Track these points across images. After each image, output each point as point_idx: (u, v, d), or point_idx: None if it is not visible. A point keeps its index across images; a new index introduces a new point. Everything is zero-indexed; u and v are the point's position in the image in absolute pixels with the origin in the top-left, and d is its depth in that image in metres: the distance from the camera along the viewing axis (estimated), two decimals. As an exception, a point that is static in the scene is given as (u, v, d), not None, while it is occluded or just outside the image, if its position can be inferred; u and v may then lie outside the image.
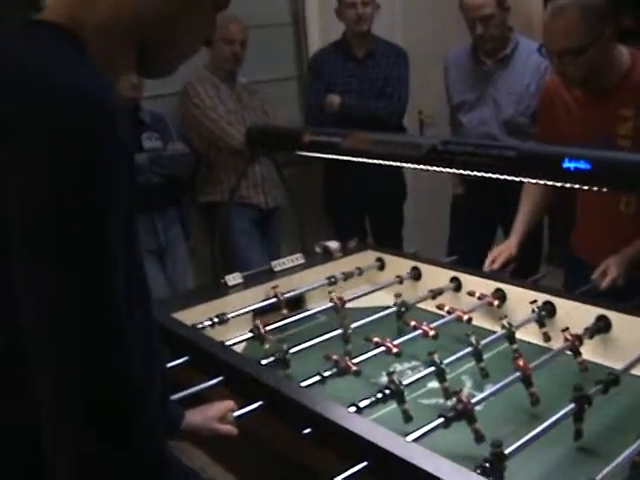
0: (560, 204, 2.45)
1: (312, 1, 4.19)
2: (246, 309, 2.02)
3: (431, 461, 1.19)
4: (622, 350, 1.70)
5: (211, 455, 1.58)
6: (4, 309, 0.88)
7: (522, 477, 1.31)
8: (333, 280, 2.21)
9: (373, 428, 1.30)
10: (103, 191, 0.85)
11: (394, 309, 1.96)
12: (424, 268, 2.26)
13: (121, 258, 0.88)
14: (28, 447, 0.92)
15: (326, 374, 1.57)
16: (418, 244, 3.20)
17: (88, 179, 0.84)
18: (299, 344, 1.74)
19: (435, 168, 1.64)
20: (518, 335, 1.76)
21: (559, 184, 1.45)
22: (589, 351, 1.72)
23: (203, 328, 1.88)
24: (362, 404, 1.41)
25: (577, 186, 1.42)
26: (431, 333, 1.78)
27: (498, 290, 2.02)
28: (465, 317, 1.89)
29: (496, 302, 1.99)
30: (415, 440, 1.28)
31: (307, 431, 1.35)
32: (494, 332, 1.80)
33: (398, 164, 1.76)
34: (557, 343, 1.75)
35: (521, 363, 1.53)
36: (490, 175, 1.54)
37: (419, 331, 1.79)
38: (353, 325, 1.83)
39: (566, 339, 1.68)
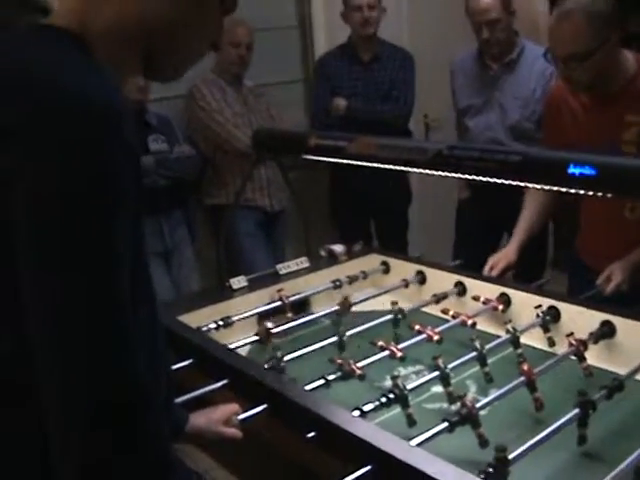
0: (564, 208, 2.45)
1: (318, 4, 4.20)
2: (251, 312, 2.03)
3: (435, 466, 1.19)
4: (626, 355, 1.70)
5: (215, 458, 1.59)
6: (9, 316, 0.88)
7: (526, 482, 1.31)
8: (338, 284, 2.21)
9: (377, 432, 1.30)
10: (110, 195, 0.85)
11: (390, 317, 1.94)
12: (429, 272, 2.26)
13: (127, 261, 0.88)
14: (36, 456, 0.92)
15: (330, 378, 1.57)
16: (423, 248, 3.20)
17: (95, 184, 0.84)
18: (303, 347, 1.75)
19: (441, 173, 1.64)
20: (522, 340, 1.76)
21: (564, 189, 1.45)
22: (594, 356, 1.72)
23: (208, 331, 1.88)
24: (366, 408, 1.41)
25: (582, 192, 1.42)
26: (435, 337, 1.78)
27: (503, 295, 2.01)
28: (470, 321, 1.89)
29: (501, 307, 1.99)
30: (419, 444, 1.28)
31: (311, 435, 1.35)
32: (499, 337, 1.80)
33: (404, 169, 1.76)
34: (562, 348, 1.75)
35: (525, 368, 1.53)
36: (495, 180, 1.54)
37: (423, 335, 1.79)
38: (349, 332, 1.81)
39: (571, 344, 1.68)
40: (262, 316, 2.04)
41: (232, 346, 1.78)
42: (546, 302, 1.90)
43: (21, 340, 0.86)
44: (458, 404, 1.39)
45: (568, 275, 2.53)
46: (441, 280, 2.19)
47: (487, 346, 1.68)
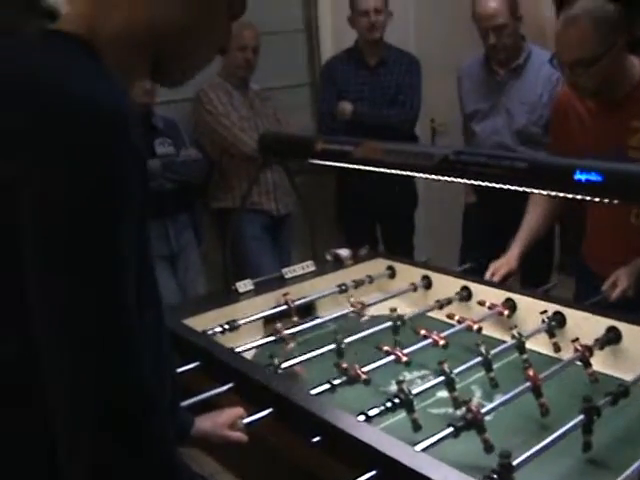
0: (570, 212, 2.45)
1: (325, 8, 4.20)
2: (257, 316, 2.03)
3: (440, 471, 1.19)
4: (632, 361, 1.70)
5: (221, 462, 1.59)
6: (16, 319, 0.88)
7: (531, 488, 1.31)
8: (344, 288, 2.21)
9: (382, 437, 1.31)
10: (117, 200, 0.85)
11: (390, 324, 1.92)
12: (434, 277, 2.26)
13: (132, 264, 0.89)
14: (43, 458, 0.92)
15: (336, 382, 1.57)
16: (429, 252, 3.20)
17: (102, 188, 0.84)
18: (309, 352, 1.75)
19: (447, 178, 1.64)
20: (528, 345, 1.75)
21: (570, 196, 1.45)
22: (599, 362, 1.72)
23: (214, 334, 1.89)
24: (371, 413, 1.41)
25: (588, 198, 1.42)
26: (441, 342, 1.78)
27: (508, 300, 2.01)
28: (475, 327, 1.88)
29: (506, 312, 1.98)
30: (424, 449, 1.28)
31: (316, 439, 1.35)
32: (504, 342, 1.80)
33: (410, 174, 1.76)
34: (567, 354, 1.75)
35: (531, 373, 1.53)
36: (502, 186, 1.54)
37: (429, 340, 1.79)
38: (347, 340, 1.80)
39: (576, 350, 1.68)
40: (268, 320, 2.04)
41: (238, 350, 1.79)
42: (552, 307, 1.90)
43: (27, 342, 0.86)
44: (463, 409, 1.39)
45: (575, 279, 2.53)
46: (447, 285, 2.19)
47: (492, 351, 1.68)
